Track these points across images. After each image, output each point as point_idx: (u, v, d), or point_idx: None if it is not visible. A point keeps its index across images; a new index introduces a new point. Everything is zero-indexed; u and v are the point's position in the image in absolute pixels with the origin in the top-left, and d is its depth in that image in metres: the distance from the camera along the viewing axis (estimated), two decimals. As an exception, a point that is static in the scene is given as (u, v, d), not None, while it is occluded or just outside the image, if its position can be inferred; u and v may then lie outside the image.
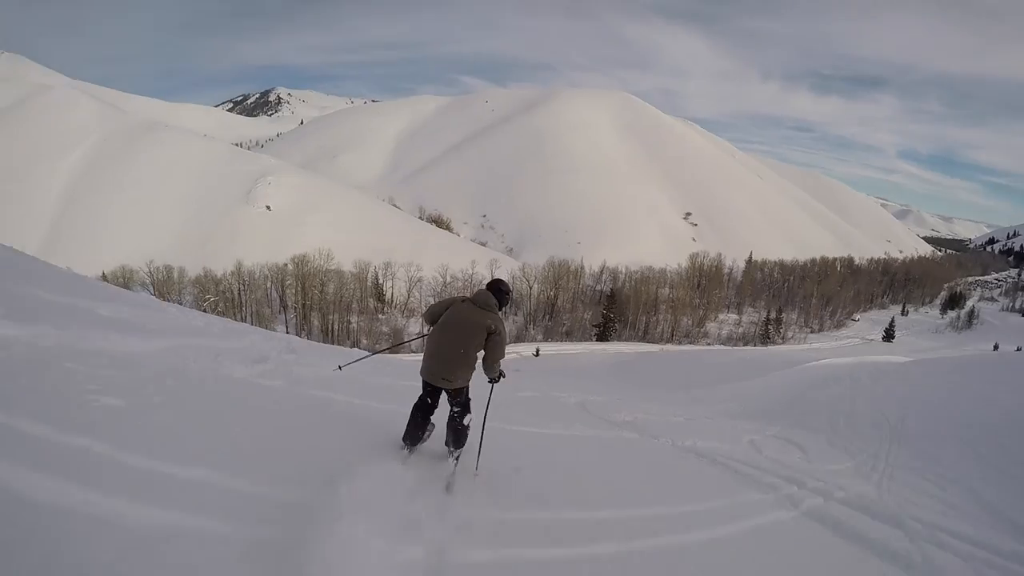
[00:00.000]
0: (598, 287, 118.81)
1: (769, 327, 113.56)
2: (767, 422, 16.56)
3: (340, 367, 8.75)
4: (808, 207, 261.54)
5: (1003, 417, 14.99)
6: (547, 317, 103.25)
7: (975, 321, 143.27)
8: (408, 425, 5.93)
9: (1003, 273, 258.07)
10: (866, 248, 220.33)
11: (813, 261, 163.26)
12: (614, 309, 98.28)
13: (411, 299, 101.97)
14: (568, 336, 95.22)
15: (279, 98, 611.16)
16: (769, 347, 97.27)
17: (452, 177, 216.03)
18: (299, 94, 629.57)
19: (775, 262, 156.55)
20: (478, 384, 6.00)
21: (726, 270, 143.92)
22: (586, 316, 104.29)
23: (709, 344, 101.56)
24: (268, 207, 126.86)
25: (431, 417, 6.06)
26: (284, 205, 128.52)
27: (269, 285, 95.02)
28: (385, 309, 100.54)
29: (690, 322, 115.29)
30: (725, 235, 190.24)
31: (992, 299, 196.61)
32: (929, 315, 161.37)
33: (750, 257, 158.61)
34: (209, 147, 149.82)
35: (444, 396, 5.87)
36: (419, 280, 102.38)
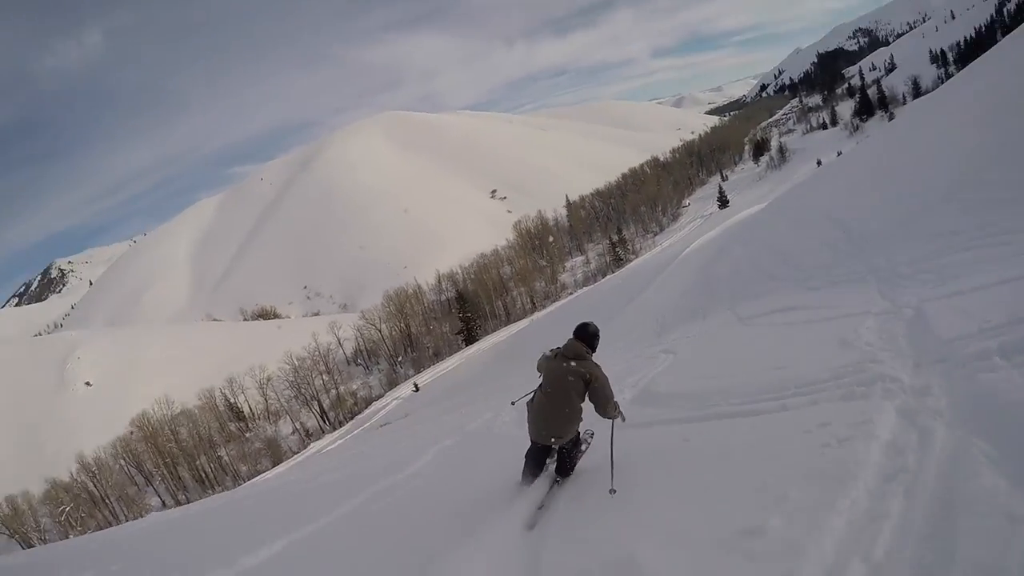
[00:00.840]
0: (443, 297, 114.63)
1: (617, 250, 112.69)
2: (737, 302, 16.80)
3: (513, 403, 7.82)
4: (598, 135, 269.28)
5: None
6: (409, 349, 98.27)
7: (787, 153, 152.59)
8: (524, 469, 6.00)
9: (787, 107, 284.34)
10: (664, 144, 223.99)
11: (624, 176, 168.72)
12: (468, 309, 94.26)
13: (269, 401, 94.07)
14: (438, 356, 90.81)
15: (61, 271, 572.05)
16: (627, 266, 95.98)
17: (258, 266, 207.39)
18: (80, 257, 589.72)
19: (592, 193, 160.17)
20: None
21: (551, 222, 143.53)
22: (445, 329, 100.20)
23: (571, 294, 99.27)
24: (88, 383, 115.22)
25: (545, 461, 6.01)
26: (103, 373, 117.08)
27: (122, 463, 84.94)
28: (249, 425, 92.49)
29: (544, 284, 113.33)
30: (535, 195, 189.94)
31: (790, 131, 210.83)
32: (746, 169, 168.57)
33: (567, 199, 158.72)
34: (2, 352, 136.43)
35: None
36: (268, 379, 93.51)
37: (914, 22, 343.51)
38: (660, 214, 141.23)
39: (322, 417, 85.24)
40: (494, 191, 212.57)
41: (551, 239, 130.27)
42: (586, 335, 5.75)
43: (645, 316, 23.59)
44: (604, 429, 5.97)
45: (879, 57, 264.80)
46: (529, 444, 5.92)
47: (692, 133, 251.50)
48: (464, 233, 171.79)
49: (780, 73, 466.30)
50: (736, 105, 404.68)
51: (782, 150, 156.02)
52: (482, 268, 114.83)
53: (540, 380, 5.85)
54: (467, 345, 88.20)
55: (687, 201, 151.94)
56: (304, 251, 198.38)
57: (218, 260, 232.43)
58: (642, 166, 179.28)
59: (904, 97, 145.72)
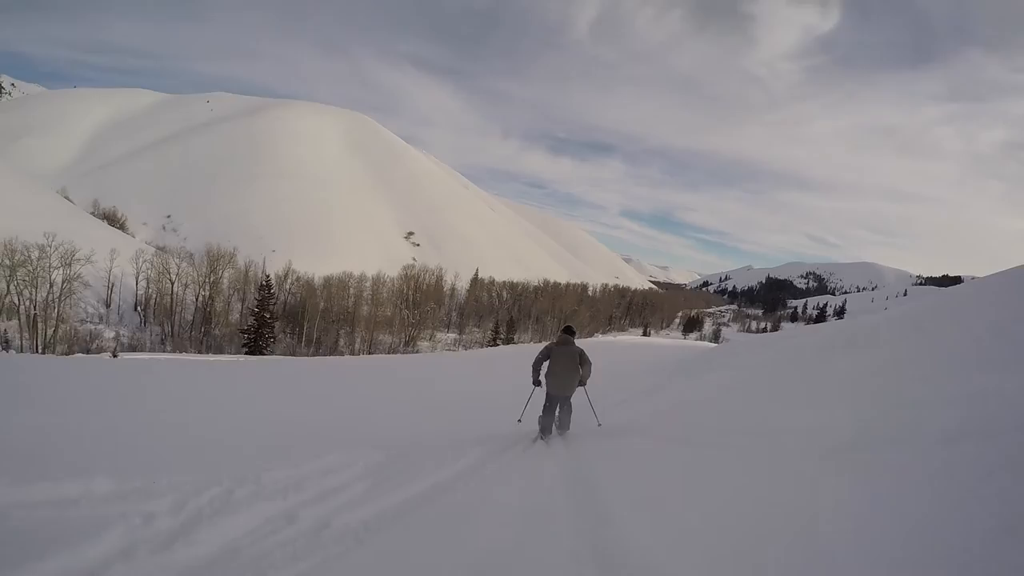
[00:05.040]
0: (280, 296, 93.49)
1: (498, 340, 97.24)
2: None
3: (520, 420, 10.77)
4: (540, 241, 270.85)
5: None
6: (202, 328, 79.18)
7: (721, 338, 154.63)
8: (540, 426, 10.25)
9: (725, 307, 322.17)
10: (597, 282, 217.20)
11: (546, 283, 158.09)
12: (270, 309, 73.01)
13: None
14: (215, 349, 73.94)
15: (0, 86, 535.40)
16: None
17: (142, 174, 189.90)
18: (27, 87, 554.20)
19: (504, 283, 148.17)
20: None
21: (447, 288, 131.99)
22: (240, 323, 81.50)
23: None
24: None
25: (554, 415, 10.29)
26: None
27: None
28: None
29: (397, 341, 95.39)
30: (450, 257, 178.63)
31: (727, 324, 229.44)
32: (672, 336, 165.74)
33: (476, 274, 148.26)
34: None
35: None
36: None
37: (863, 288, 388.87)
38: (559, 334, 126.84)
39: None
40: (411, 233, 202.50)
41: (434, 308, 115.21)
42: (571, 331, 10.56)
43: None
44: (582, 393, 10.63)
45: (828, 300, 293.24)
46: (546, 400, 10.22)
47: (629, 287, 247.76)
48: (354, 252, 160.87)
49: (726, 278, 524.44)
50: (676, 288, 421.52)
51: (717, 333, 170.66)
52: (341, 285, 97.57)
53: (549, 361, 10.14)
54: (247, 353, 68.60)
55: (599, 335, 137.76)
56: (194, 184, 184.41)
57: (115, 149, 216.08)
58: (568, 283, 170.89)
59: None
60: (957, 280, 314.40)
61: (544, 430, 10.08)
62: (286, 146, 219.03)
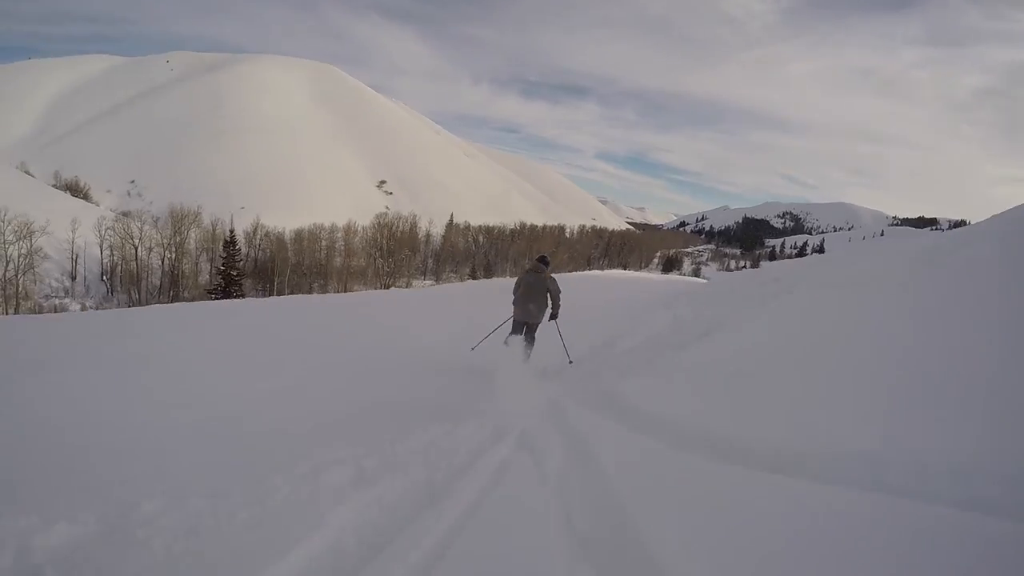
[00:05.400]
0: (249, 252, 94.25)
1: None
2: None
3: (472, 348, 10.79)
4: (516, 185, 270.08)
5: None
6: (171, 292, 77.67)
7: (700, 276, 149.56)
8: (511, 333, 10.28)
9: (703, 246, 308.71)
10: (574, 224, 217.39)
11: (523, 225, 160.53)
12: (236, 265, 70.27)
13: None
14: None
15: None
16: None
17: (103, 141, 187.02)
18: None
19: (479, 227, 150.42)
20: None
21: (422, 234, 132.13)
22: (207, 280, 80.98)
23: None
24: None
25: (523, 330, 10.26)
26: None
27: None
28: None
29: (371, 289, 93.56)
30: (424, 205, 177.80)
31: (705, 263, 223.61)
32: (652, 274, 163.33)
33: (451, 219, 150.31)
34: None
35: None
36: None
37: (839, 228, 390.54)
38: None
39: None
40: (383, 181, 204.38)
41: (408, 252, 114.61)
42: (544, 260, 10.56)
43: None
44: (555, 329, 10.45)
45: (806, 239, 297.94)
46: (513, 322, 10.43)
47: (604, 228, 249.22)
48: (326, 204, 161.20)
49: (703, 218, 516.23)
50: (653, 229, 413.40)
51: (697, 271, 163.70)
52: (312, 237, 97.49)
53: (521, 288, 10.28)
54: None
55: (584, 271, 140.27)
56: (157, 148, 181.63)
57: (74, 119, 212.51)
58: (544, 225, 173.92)
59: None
60: (933, 222, 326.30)
61: (508, 342, 10.00)
62: (251, 101, 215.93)
